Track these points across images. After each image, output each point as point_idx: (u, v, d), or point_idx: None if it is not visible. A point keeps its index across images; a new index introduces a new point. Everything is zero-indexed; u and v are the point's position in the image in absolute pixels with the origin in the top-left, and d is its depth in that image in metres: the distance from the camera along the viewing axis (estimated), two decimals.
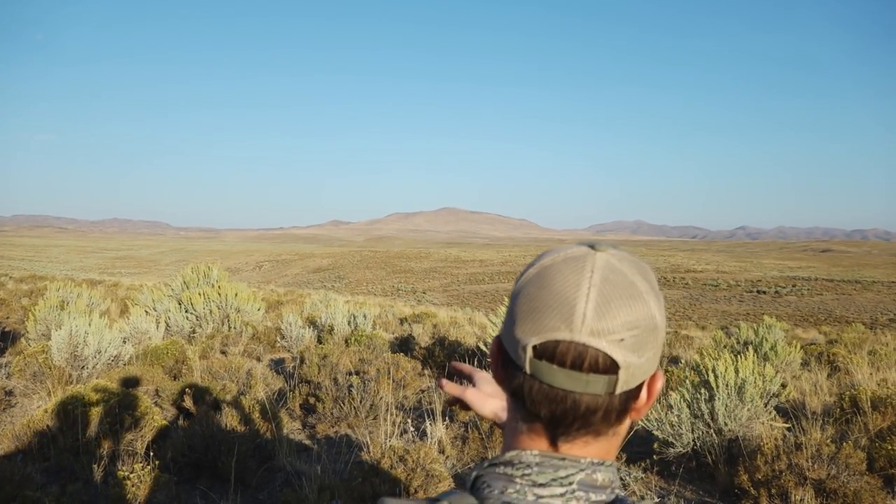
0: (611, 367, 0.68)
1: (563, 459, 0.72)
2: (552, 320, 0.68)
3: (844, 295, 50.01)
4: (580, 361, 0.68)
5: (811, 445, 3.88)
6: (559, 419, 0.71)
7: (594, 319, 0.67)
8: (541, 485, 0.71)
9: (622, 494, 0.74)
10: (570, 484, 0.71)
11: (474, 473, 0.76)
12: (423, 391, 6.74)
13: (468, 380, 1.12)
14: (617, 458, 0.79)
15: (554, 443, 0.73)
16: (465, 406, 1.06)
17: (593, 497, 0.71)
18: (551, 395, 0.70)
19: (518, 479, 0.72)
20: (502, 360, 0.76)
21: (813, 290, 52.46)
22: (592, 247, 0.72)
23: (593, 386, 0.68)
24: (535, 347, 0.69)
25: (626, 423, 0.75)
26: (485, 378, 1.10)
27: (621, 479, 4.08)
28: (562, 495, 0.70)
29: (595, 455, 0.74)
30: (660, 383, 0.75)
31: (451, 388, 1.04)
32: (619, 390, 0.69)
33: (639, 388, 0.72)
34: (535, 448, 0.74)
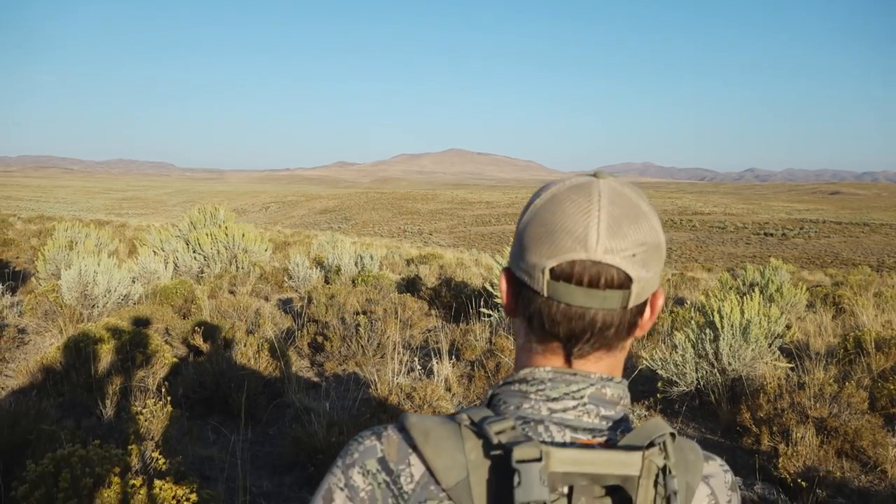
0: (625, 282, 0.72)
1: (575, 375, 0.76)
2: (567, 242, 0.72)
3: (852, 237, 49.82)
4: (597, 278, 0.72)
5: (814, 385, 3.92)
6: (578, 336, 0.75)
7: (607, 238, 0.71)
8: (553, 399, 0.75)
9: (630, 412, 0.79)
10: (582, 398, 0.75)
11: (490, 392, 0.80)
12: (429, 331, 6.81)
13: None
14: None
15: (569, 360, 0.77)
16: None
17: (603, 411, 0.75)
18: (569, 314, 0.74)
19: (532, 395, 0.76)
20: (513, 289, 0.80)
21: (820, 233, 52.25)
22: (594, 175, 0.77)
23: (610, 301, 0.73)
24: (552, 270, 0.73)
25: (631, 338, 0.80)
26: None
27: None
28: (574, 408, 0.75)
29: (604, 371, 0.78)
30: (661, 300, 0.80)
31: None
32: (631, 304, 0.74)
33: (644, 303, 0.77)
34: (548, 366, 0.78)
